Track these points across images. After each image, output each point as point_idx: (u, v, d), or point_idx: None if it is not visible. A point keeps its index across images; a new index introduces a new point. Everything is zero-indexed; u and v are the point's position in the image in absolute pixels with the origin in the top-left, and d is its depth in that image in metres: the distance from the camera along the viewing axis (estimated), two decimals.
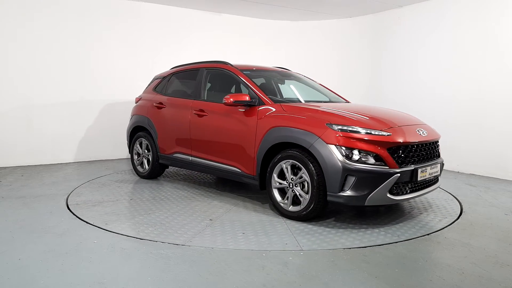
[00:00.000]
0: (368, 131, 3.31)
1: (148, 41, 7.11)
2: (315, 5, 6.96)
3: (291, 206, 3.62)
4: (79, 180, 5.23)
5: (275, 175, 3.73)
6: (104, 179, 5.33)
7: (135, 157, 5.53)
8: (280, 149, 3.76)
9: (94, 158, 6.84)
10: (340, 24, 8.03)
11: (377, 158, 3.25)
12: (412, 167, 3.37)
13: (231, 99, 3.93)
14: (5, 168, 6.02)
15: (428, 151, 3.64)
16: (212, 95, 4.75)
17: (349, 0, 6.68)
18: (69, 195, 4.47)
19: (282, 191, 3.76)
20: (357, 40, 7.83)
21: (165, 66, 6.36)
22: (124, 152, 6.85)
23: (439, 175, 3.85)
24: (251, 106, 3.98)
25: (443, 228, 3.50)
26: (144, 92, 5.67)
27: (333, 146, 3.28)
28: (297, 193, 3.56)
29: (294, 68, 6.84)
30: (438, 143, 3.92)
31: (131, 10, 6.91)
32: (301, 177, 3.51)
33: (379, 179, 3.21)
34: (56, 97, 6.43)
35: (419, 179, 3.43)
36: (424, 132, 3.66)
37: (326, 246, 3.05)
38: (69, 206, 3.95)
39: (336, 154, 3.25)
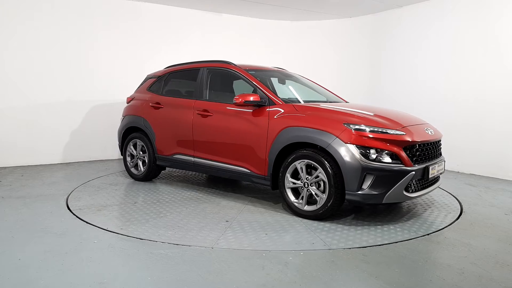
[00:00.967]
0: (385, 131, 3.40)
1: (148, 41, 7.12)
2: (315, 5, 6.97)
3: (306, 206, 3.65)
4: (79, 180, 5.22)
5: (288, 175, 3.74)
6: (104, 180, 5.32)
7: (128, 159, 5.35)
8: (291, 149, 3.77)
9: (94, 158, 6.84)
10: (340, 24, 8.02)
11: (394, 156, 3.35)
12: (424, 165, 3.49)
13: (242, 99, 3.91)
14: (5, 168, 6.02)
15: (434, 149, 3.78)
16: (216, 95, 4.69)
17: (349, 0, 6.68)
18: (69, 195, 4.47)
19: (295, 191, 3.77)
20: (357, 40, 7.83)
21: (165, 66, 6.35)
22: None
23: (443, 172, 3.96)
24: (260, 106, 3.97)
25: (443, 228, 3.51)
26: (136, 92, 5.50)
27: (352, 145, 3.34)
28: (313, 192, 3.59)
29: (294, 68, 6.84)
30: (441, 142, 4.03)
31: (131, 10, 6.91)
32: (317, 176, 3.54)
33: (396, 177, 3.31)
34: (56, 97, 6.43)
35: (430, 176, 3.56)
36: (432, 131, 3.82)
37: (352, 244, 3.10)
38: (73, 211, 3.85)
39: (354, 153, 3.31)
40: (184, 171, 5.85)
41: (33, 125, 6.29)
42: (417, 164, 3.45)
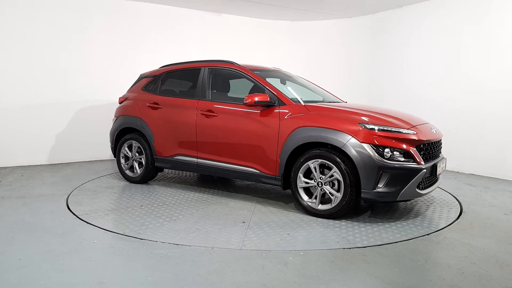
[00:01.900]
0: (399, 130, 3.52)
1: (149, 41, 7.12)
2: (315, 5, 6.97)
3: (320, 205, 3.69)
4: (79, 180, 5.22)
5: (301, 175, 3.76)
6: (97, 183, 5.26)
7: (123, 161, 5.17)
8: (301, 149, 3.79)
9: (94, 158, 6.84)
10: (340, 24, 8.03)
11: (407, 155, 3.45)
12: (432, 162, 3.64)
13: (252, 100, 3.90)
14: (5, 168, 6.02)
15: (438, 148, 3.93)
16: (220, 95, 4.65)
17: (349, 1, 6.68)
18: (69, 196, 4.47)
19: (306, 190, 3.80)
20: (357, 40, 7.83)
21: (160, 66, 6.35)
22: None
23: (444, 170, 4.08)
24: (269, 106, 3.98)
25: (443, 228, 3.51)
26: (129, 91, 5.35)
27: (367, 144, 3.41)
28: (327, 192, 3.63)
29: (294, 68, 6.85)
30: (441, 141, 4.18)
31: (130, 10, 6.91)
32: (331, 175, 3.59)
33: (410, 175, 3.42)
34: (56, 97, 6.43)
35: (437, 173, 3.71)
36: (436, 130, 3.99)
37: (374, 241, 3.15)
38: (79, 216, 3.71)
39: (371, 152, 3.39)
40: (178, 173, 5.82)
41: (33, 125, 6.28)
42: (426, 162, 3.57)
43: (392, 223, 3.60)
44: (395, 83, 7.15)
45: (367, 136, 3.43)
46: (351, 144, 3.45)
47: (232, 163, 4.23)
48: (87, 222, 3.54)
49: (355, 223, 3.60)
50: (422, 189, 3.61)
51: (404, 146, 3.44)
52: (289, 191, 4.76)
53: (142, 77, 5.33)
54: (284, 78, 4.84)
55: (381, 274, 2.58)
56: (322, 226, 3.49)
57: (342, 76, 8.02)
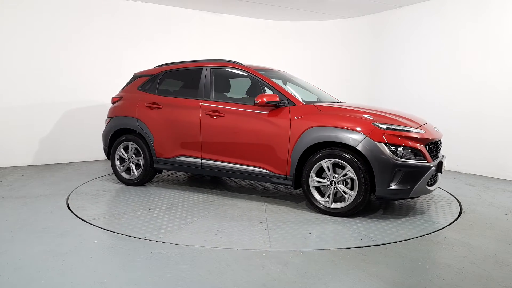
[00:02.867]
0: (410, 129, 3.64)
1: (149, 41, 7.12)
2: (315, 5, 6.97)
3: (333, 204, 3.75)
4: (80, 180, 5.22)
5: (313, 174, 3.79)
6: (92, 186, 5.11)
7: (118, 163, 5.00)
8: (314, 149, 3.83)
9: (94, 158, 6.84)
10: (340, 24, 8.03)
11: (418, 153, 3.57)
12: (438, 160, 3.78)
13: (264, 100, 3.91)
14: (5, 168, 6.02)
15: (440, 146, 4.05)
16: (225, 95, 4.61)
17: (349, 1, 6.68)
18: (69, 195, 4.47)
19: (317, 190, 3.84)
20: (357, 40, 7.83)
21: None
22: None
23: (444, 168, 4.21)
24: (278, 106, 3.99)
25: (443, 228, 3.51)
26: (123, 91, 5.19)
27: (382, 143, 3.50)
28: (341, 190, 3.69)
29: (294, 69, 6.86)
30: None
31: (130, 10, 6.92)
32: (345, 174, 3.64)
33: (421, 172, 3.54)
34: (56, 97, 6.44)
35: (442, 170, 3.86)
36: (438, 130, 4.12)
37: (395, 238, 3.23)
38: (88, 221, 3.59)
39: (385, 151, 3.48)
40: (172, 174, 5.77)
41: (34, 125, 6.29)
42: (433, 159, 3.71)
43: (392, 223, 3.60)
44: (395, 83, 7.15)
45: (381, 135, 3.52)
46: (366, 143, 3.53)
47: (240, 164, 4.21)
48: (87, 222, 3.54)
49: (369, 220, 3.64)
50: (430, 185, 3.73)
51: (416, 144, 3.56)
52: (292, 190, 4.79)
53: (136, 76, 5.19)
54: (285, 78, 4.84)
55: (381, 274, 2.58)
56: (340, 224, 3.55)
57: (342, 76, 8.02)
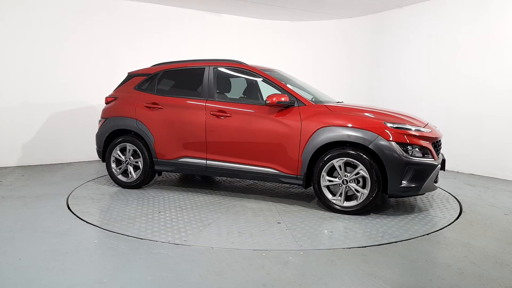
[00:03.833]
0: (419, 129, 3.77)
1: (149, 41, 7.12)
2: (315, 5, 6.97)
3: (345, 202, 3.81)
4: (80, 180, 5.22)
5: (324, 174, 3.84)
6: (89, 190, 5.04)
7: (114, 165, 4.83)
8: (325, 148, 3.87)
9: (94, 158, 6.83)
10: (340, 25, 8.03)
11: (426, 151, 3.71)
12: (441, 158, 3.93)
13: (274, 100, 3.92)
14: (5, 168, 6.02)
15: (440, 145, 4.14)
16: (230, 95, 4.56)
17: (349, 1, 6.68)
18: (69, 195, 4.47)
19: (327, 188, 3.89)
20: (357, 40, 7.83)
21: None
22: None
23: None
24: (288, 106, 4.01)
25: (443, 228, 3.51)
26: (118, 91, 5.01)
27: (394, 142, 3.60)
28: (353, 189, 3.76)
29: (294, 69, 6.85)
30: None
31: (130, 10, 6.92)
32: (357, 173, 3.71)
33: (430, 169, 3.67)
34: (56, 97, 6.43)
35: (444, 168, 3.99)
36: (439, 129, 4.27)
37: (402, 236, 3.30)
38: (88, 221, 3.56)
39: (397, 150, 3.59)
40: (168, 175, 5.73)
41: (34, 125, 6.29)
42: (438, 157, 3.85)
43: (391, 223, 3.60)
44: (395, 83, 7.15)
45: (393, 135, 3.61)
46: (378, 142, 3.61)
47: (248, 164, 4.19)
48: (87, 222, 3.54)
49: (380, 218, 3.70)
50: (436, 182, 3.88)
51: (424, 143, 3.69)
52: (294, 189, 4.79)
53: (132, 76, 5.02)
54: (284, 78, 4.83)
55: (381, 274, 2.58)
56: (356, 222, 3.60)
57: (342, 76, 8.02)
